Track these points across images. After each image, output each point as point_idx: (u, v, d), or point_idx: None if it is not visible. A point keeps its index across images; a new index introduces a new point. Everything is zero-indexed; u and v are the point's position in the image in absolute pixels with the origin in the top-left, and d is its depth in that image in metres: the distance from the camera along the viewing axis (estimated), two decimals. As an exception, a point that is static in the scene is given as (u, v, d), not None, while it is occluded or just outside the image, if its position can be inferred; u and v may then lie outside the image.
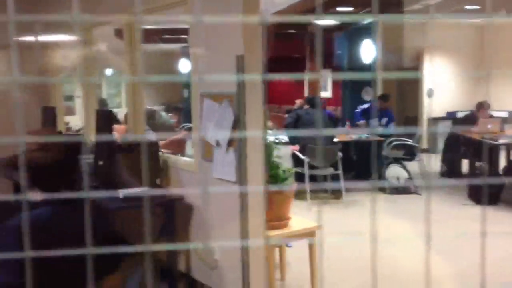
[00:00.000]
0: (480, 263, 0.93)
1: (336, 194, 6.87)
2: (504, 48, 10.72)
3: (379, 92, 8.98)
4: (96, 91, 5.76)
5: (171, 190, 4.00)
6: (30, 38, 5.51)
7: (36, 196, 1.92)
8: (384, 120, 8.04)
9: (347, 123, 8.92)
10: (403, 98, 11.50)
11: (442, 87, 11.12)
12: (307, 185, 6.32)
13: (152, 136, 5.71)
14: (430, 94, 11.17)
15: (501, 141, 6.60)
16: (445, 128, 10.43)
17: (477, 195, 6.54)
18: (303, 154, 6.52)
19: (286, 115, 9.02)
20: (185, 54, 10.61)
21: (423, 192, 7.12)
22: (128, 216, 2.46)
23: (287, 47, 11.23)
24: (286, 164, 3.92)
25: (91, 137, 4.82)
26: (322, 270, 3.94)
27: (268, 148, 3.54)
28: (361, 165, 8.06)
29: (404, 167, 7.28)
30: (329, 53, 11.63)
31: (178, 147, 5.33)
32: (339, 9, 8.31)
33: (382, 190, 7.18)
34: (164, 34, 10.64)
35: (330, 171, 6.73)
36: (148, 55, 11.24)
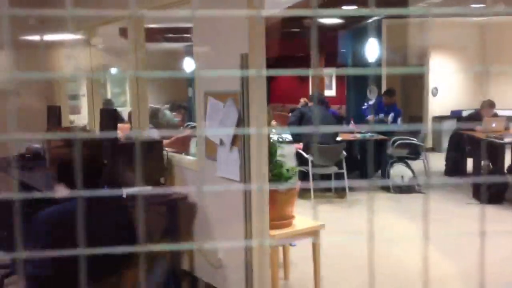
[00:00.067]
0: (480, 262, 0.93)
1: (340, 193, 6.87)
2: (509, 46, 10.69)
3: (384, 90, 8.94)
4: (101, 90, 5.77)
5: (170, 188, 4.01)
6: (35, 38, 5.53)
7: (62, 191, 1.96)
8: (391, 115, 8.02)
9: (352, 121, 8.91)
10: (407, 98, 11.48)
11: (447, 86, 11.10)
12: (311, 184, 6.32)
13: (155, 134, 5.72)
14: (435, 93, 11.14)
15: (506, 140, 6.57)
16: (449, 127, 10.40)
17: (481, 194, 6.52)
18: (307, 153, 6.52)
19: (289, 114, 9.01)
20: (189, 53, 10.62)
21: (427, 191, 7.11)
22: (131, 215, 2.47)
23: (292, 46, 11.22)
24: (290, 163, 3.92)
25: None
26: (318, 269, 3.95)
27: (272, 147, 3.54)
28: (365, 164, 8.05)
29: (409, 166, 7.26)
30: (333, 51, 11.61)
31: (182, 145, 5.34)
32: (344, 7, 8.28)
33: (386, 189, 7.17)
34: (168, 33, 10.64)
35: (334, 170, 6.73)
36: (152, 54, 11.25)
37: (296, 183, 3.58)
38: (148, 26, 6.71)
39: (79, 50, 5.73)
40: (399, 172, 7.14)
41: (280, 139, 3.99)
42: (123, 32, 6.88)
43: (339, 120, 9.45)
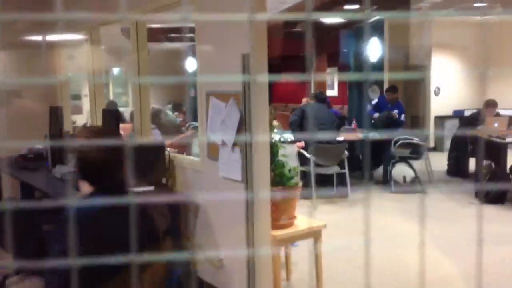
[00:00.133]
0: (479, 263, 0.93)
1: (342, 193, 6.86)
2: (509, 46, 10.67)
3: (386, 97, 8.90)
4: (103, 90, 5.78)
5: (173, 190, 4.01)
6: (37, 38, 5.54)
7: (86, 188, 2.03)
8: (396, 112, 8.02)
9: (354, 121, 8.91)
10: (410, 97, 11.47)
11: (449, 86, 11.08)
12: (313, 184, 6.31)
13: (157, 135, 5.73)
14: (437, 92, 11.13)
15: (508, 139, 6.56)
16: (451, 126, 10.40)
17: (483, 195, 6.51)
18: (308, 151, 6.51)
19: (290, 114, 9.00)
20: (192, 52, 10.63)
21: (430, 191, 7.11)
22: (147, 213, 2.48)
23: (293, 46, 11.22)
24: (292, 163, 3.92)
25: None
26: (320, 270, 3.94)
27: (274, 147, 3.54)
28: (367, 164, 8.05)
29: (411, 166, 7.25)
30: (335, 51, 11.61)
31: (184, 146, 5.34)
32: (346, 7, 8.29)
33: (389, 189, 7.17)
34: (170, 33, 10.65)
35: (336, 170, 6.73)
36: (155, 54, 11.26)
37: (297, 183, 3.58)
38: (150, 26, 6.71)
39: (81, 50, 5.74)
40: (401, 172, 7.13)
41: (282, 139, 3.99)
42: (126, 32, 6.89)
43: (341, 119, 9.44)
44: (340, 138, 7.24)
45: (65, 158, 4.26)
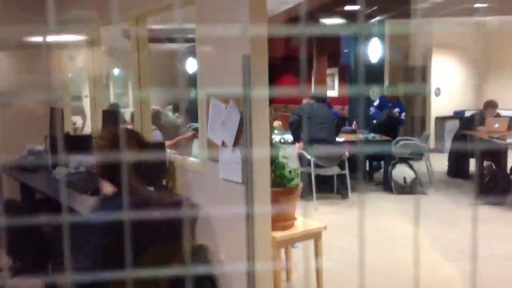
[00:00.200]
0: (473, 263, 0.93)
1: (342, 194, 6.86)
2: (509, 46, 10.67)
3: (386, 93, 8.90)
4: (104, 91, 5.78)
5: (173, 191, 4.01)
6: (38, 39, 5.54)
7: (108, 189, 2.11)
8: (397, 110, 8.02)
9: (354, 122, 8.90)
10: (410, 98, 11.46)
11: (450, 86, 11.07)
12: (313, 185, 6.31)
13: (158, 136, 5.73)
14: (438, 93, 11.13)
15: (508, 140, 6.55)
16: (452, 127, 10.39)
17: (484, 195, 6.51)
18: (307, 150, 6.50)
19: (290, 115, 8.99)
20: (192, 53, 10.62)
21: (430, 192, 7.11)
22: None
23: (295, 46, 11.22)
24: (292, 164, 3.92)
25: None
26: (321, 271, 3.94)
27: (274, 148, 3.54)
28: (368, 165, 8.05)
29: (411, 167, 7.25)
30: (336, 51, 11.61)
31: (186, 146, 5.35)
32: (347, 8, 8.29)
33: (389, 189, 7.16)
34: (171, 34, 10.64)
35: (336, 171, 6.72)
36: (155, 54, 11.26)
37: (298, 185, 3.58)
38: (151, 26, 6.69)
39: (82, 51, 5.74)
40: (401, 173, 7.12)
41: (282, 140, 3.99)
42: (126, 33, 6.89)
43: (341, 120, 9.43)
44: (341, 139, 7.23)
45: (66, 160, 4.26)
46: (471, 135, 7.45)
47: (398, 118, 7.99)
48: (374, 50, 10.26)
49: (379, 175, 7.97)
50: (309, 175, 6.29)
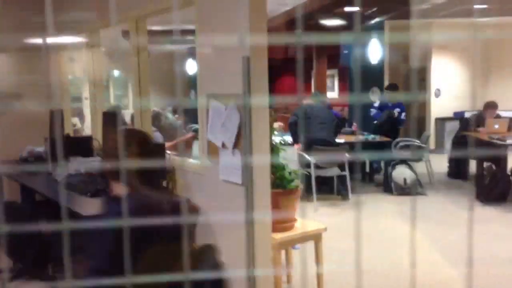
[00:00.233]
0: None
1: (343, 195, 6.86)
2: (509, 46, 10.67)
3: (386, 96, 8.90)
4: (104, 92, 5.77)
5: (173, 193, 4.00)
6: (38, 40, 5.54)
7: (120, 190, 2.11)
8: (397, 110, 8.02)
9: (354, 123, 8.90)
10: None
11: (450, 87, 11.07)
12: (314, 186, 6.31)
13: (158, 137, 5.73)
14: (438, 94, 11.13)
15: (508, 141, 6.56)
16: (452, 128, 10.40)
17: (484, 196, 6.51)
18: (307, 152, 6.50)
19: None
20: (192, 55, 10.63)
21: (430, 193, 7.11)
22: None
23: (294, 48, 11.23)
24: (292, 165, 3.91)
25: (98, 139, 4.84)
26: (321, 272, 3.94)
27: (275, 150, 3.54)
28: (368, 166, 8.05)
29: (411, 168, 7.25)
30: (335, 53, 11.61)
31: (186, 148, 5.34)
32: (346, 9, 8.28)
33: (389, 191, 7.16)
34: (170, 35, 10.65)
35: (336, 172, 6.72)
36: (155, 56, 11.27)
37: (298, 186, 3.57)
38: (150, 28, 6.70)
39: (82, 53, 5.74)
40: (401, 174, 7.12)
41: (282, 142, 3.99)
42: (126, 34, 6.90)
43: (341, 121, 9.43)
44: (341, 140, 7.23)
45: (66, 160, 4.26)
46: (471, 136, 7.45)
47: (398, 118, 7.99)
48: (374, 52, 10.27)
49: (379, 176, 7.96)
50: (309, 176, 6.29)
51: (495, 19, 9.27)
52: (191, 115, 8.63)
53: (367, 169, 8.06)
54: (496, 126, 7.26)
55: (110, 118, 4.36)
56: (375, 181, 7.92)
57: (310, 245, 3.65)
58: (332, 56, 11.42)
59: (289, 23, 8.72)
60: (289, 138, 6.70)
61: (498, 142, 6.57)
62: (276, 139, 3.84)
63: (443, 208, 6.38)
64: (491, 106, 7.59)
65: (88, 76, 5.73)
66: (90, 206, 3.30)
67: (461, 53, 10.96)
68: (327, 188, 7.02)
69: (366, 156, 7.49)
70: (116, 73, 13.18)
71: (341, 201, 6.79)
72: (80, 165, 4.15)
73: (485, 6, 8.41)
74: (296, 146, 6.81)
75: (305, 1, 7.53)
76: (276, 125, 6.30)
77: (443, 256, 4.64)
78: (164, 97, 13.13)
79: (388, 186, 7.22)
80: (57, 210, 3.28)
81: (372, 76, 10.33)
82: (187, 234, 2.14)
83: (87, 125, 8.18)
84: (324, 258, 3.66)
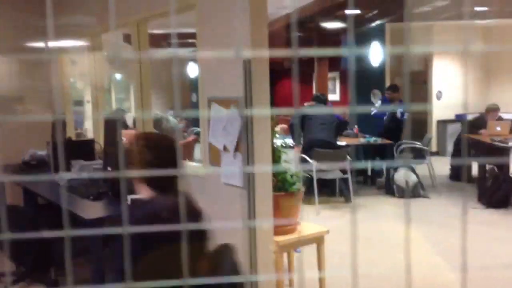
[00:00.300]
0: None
1: (345, 198, 6.85)
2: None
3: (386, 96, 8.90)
4: (105, 96, 5.79)
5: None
6: (40, 44, 5.56)
7: (145, 193, 2.15)
8: (399, 111, 8.01)
9: (356, 126, 8.88)
10: (412, 101, 11.45)
11: (451, 90, 11.06)
12: (315, 189, 6.30)
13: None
14: (439, 96, 11.12)
15: (510, 143, 6.55)
16: (454, 131, 10.39)
17: (486, 199, 6.50)
18: (307, 153, 6.50)
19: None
20: (193, 58, 10.63)
21: (432, 195, 7.10)
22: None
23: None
24: (294, 168, 3.91)
25: (100, 143, 4.84)
26: (323, 275, 3.93)
27: (276, 153, 3.54)
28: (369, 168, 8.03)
29: (413, 170, 7.24)
30: (336, 56, 11.60)
31: (187, 151, 5.35)
32: (347, 12, 8.29)
33: (391, 193, 7.15)
34: (171, 39, 10.66)
35: (338, 175, 6.71)
36: (156, 59, 11.28)
37: (300, 189, 3.57)
38: (152, 32, 6.72)
39: (84, 57, 5.75)
40: (403, 176, 7.11)
41: (284, 145, 3.98)
42: (127, 38, 6.91)
43: (343, 124, 9.42)
44: (342, 143, 7.23)
45: (68, 165, 4.26)
46: (473, 139, 7.44)
47: (400, 118, 7.98)
48: (375, 54, 10.26)
49: (381, 179, 7.96)
50: (311, 179, 6.28)
51: (496, 21, 9.27)
52: (193, 118, 8.64)
53: (369, 172, 8.05)
54: (498, 128, 7.25)
55: (111, 124, 4.36)
56: (377, 184, 7.92)
57: (309, 248, 3.65)
58: (334, 58, 11.42)
59: (289, 26, 8.73)
60: (290, 141, 6.70)
61: (500, 144, 6.56)
62: (278, 141, 3.83)
63: (445, 210, 6.37)
64: (493, 108, 7.59)
65: (90, 79, 5.74)
66: (92, 209, 3.30)
67: (463, 55, 10.94)
68: (329, 190, 7.01)
69: (368, 164, 7.50)
70: (118, 76, 13.20)
71: (343, 203, 6.78)
72: (82, 168, 4.15)
73: (486, 8, 8.42)
74: (296, 149, 6.80)
75: (305, 4, 7.54)
76: (278, 127, 6.31)
77: (444, 259, 4.63)
78: (166, 100, 13.15)
79: (390, 189, 7.22)
80: (60, 214, 3.28)
81: (373, 79, 10.32)
82: (208, 236, 2.23)
83: (91, 128, 8.20)
84: (326, 261, 3.66)
